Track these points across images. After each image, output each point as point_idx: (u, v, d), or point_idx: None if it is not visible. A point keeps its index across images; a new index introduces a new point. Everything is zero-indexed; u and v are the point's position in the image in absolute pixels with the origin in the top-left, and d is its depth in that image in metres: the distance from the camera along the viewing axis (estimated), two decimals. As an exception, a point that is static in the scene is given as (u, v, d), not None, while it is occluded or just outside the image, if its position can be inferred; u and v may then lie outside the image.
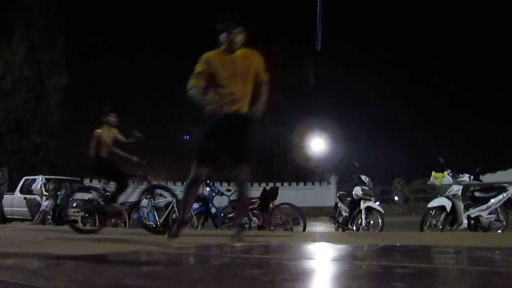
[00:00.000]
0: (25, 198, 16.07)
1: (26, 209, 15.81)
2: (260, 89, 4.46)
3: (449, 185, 7.30)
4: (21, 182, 16.94)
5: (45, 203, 14.30)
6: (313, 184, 31.68)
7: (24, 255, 3.48)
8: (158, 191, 8.35)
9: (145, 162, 7.64)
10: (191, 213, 9.80)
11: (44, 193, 14.94)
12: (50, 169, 26.59)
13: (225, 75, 4.34)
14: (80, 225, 12.06)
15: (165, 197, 11.14)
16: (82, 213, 12.37)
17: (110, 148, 7.35)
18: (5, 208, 16.08)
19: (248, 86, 4.43)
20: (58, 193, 14.58)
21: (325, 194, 28.77)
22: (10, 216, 15.99)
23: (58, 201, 14.35)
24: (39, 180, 16.18)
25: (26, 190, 16.42)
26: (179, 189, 14.41)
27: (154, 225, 10.04)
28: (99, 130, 7.45)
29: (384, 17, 48.44)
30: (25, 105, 29.61)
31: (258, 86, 4.47)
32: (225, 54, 4.40)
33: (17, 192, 16.50)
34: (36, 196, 15.62)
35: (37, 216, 14.25)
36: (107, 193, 8.06)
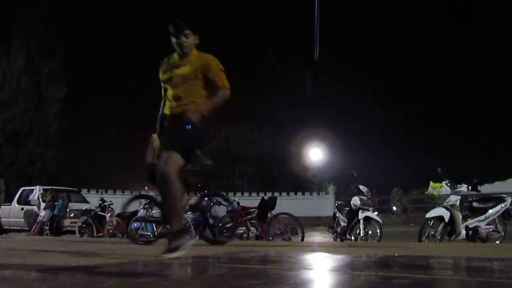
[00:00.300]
0: (22, 209, 16.03)
1: (23, 219, 15.77)
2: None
3: (447, 196, 7.31)
4: (18, 193, 16.91)
5: (42, 214, 14.25)
6: (311, 193, 31.66)
7: (21, 266, 3.47)
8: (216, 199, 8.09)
9: (198, 168, 7.20)
10: (189, 223, 9.76)
11: (42, 203, 14.89)
12: (48, 179, 26.54)
13: (167, 79, 4.22)
14: (78, 235, 12.02)
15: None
16: (79, 223, 12.35)
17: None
18: (2, 219, 16.02)
19: (191, 90, 4.13)
20: (55, 203, 14.53)
21: (323, 204, 28.75)
22: (7, 227, 15.93)
23: (55, 212, 14.31)
24: (37, 190, 16.16)
25: (24, 200, 16.39)
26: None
27: (151, 235, 10.01)
28: (155, 135, 7.24)
29: (384, 28, 48.71)
30: (23, 115, 29.60)
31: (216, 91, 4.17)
32: (176, 58, 4.25)
33: (14, 203, 16.46)
34: (33, 207, 15.58)
35: (34, 227, 14.19)
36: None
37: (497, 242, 7.13)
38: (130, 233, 10.66)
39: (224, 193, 7.76)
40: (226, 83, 4.15)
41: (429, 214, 7.35)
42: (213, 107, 4.08)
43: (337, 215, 9.52)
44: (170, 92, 4.20)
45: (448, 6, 49.52)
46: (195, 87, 4.14)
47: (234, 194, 28.03)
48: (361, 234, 8.11)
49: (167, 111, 4.26)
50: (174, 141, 3.98)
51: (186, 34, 4.12)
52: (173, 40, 4.14)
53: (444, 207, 7.18)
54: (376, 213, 8.81)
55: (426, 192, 8.24)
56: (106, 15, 42.81)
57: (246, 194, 29.87)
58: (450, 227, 7.08)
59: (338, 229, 9.26)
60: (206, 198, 7.72)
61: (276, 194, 24.50)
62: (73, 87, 31.84)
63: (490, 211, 7.15)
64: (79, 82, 33.28)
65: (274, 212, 9.40)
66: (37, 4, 30.37)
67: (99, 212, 12.40)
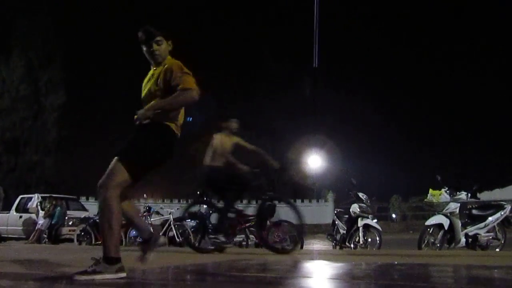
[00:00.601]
0: (20, 217, 15.96)
1: (22, 228, 15.69)
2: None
3: (447, 203, 7.29)
4: (17, 201, 16.83)
5: (41, 222, 14.18)
6: (310, 201, 31.60)
7: (19, 275, 3.45)
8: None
9: (258, 170, 6.72)
10: (188, 231, 9.73)
11: (40, 211, 14.82)
12: (47, 187, 26.48)
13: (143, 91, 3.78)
14: (76, 243, 11.96)
15: (162, 215, 11.07)
16: (78, 231, 12.29)
17: (227, 157, 6.48)
18: (0, 227, 15.96)
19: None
20: (55, 211, 14.45)
21: (323, 211, 28.69)
22: (5, 235, 15.86)
23: (54, 220, 14.24)
24: (35, 198, 16.08)
25: (22, 208, 16.30)
26: (175, 207, 14.36)
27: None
28: (217, 136, 6.55)
29: (383, 35, 48.85)
30: (22, 123, 29.60)
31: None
32: (152, 70, 3.78)
33: (12, 211, 16.38)
34: (31, 215, 15.51)
35: (32, 235, 14.12)
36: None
37: (497, 249, 7.11)
38: (129, 241, 10.64)
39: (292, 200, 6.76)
40: (190, 84, 3.52)
41: (429, 222, 7.33)
42: (165, 106, 3.48)
43: (336, 222, 9.48)
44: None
45: (448, 14, 49.79)
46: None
47: (233, 201, 28.02)
48: (361, 242, 8.08)
49: None
50: (121, 147, 3.41)
51: (158, 41, 3.67)
52: (144, 48, 3.75)
53: (443, 214, 7.16)
54: (375, 220, 8.79)
55: (425, 200, 8.22)
56: (106, 23, 42.92)
57: (244, 201, 29.81)
58: (450, 235, 7.05)
59: (338, 237, 9.22)
60: (268, 203, 7.05)
61: (274, 201, 24.45)
62: (72, 95, 31.87)
63: (490, 218, 7.13)
64: (78, 90, 33.27)
65: (273, 219, 9.37)
66: (37, 13, 30.47)
67: (97, 220, 12.34)
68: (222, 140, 6.49)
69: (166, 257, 4.81)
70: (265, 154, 6.77)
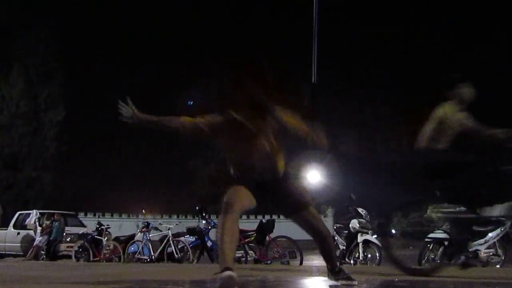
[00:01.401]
0: (18, 233, 15.86)
1: (20, 244, 15.59)
2: None
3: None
4: (14, 217, 16.74)
5: (39, 238, 14.08)
6: (309, 216, 31.42)
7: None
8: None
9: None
10: (187, 247, 9.70)
11: (38, 227, 14.73)
12: (45, 203, 26.39)
13: None
14: (74, 260, 11.88)
15: (161, 231, 11.06)
16: (76, 248, 12.22)
17: (450, 140, 4.63)
18: (-3, 244, 15.87)
19: None
20: (52, 225, 14.36)
21: (322, 227, 28.51)
22: (3, 252, 15.75)
23: (52, 236, 14.14)
24: (33, 214, 16.01)
25: (20, 225, 16.21)
26: (174, 223, 14.32)
27: (148, 259, 9.94)
28: (443, 107, 4.69)
29: (384, 48, 49.01)
30: (21, 139, 29.60)
31: None
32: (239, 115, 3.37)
33: (10, 227, 16.29)
34: (29, 231, 15.42)
35: (30, 252, 14.01)
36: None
37: (497, 266, 7.07)
38: (128, 257, 10.57)
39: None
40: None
41: (429, 238, 7.29)
42: None
43: (335, 238, 9.43)
44: None
45: (450, 24, 50.11)
46: None
47: (232, 217, 27.94)
48: (360, 258, 8.05)
49: None
50: None
51: None
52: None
53: (443, 230, 7.13)
54: (375, 236, 8.76)
55: (425, 215, 8.19)
56: (105, 39, 43.22)
57: (244, 217, 29.55)
58: (450, 251, 7.01)
59: (337, 253, 9.18)
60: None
61: (274, 217, 24.36)
62: (71, 111, 31.96)
63: (490, 234, 7.07)
64: (77, 106, 33.38)
65: (272, 235, 9.34)
66: (36, 29, 30.66)
67: (96, 236, 12.29)
68: (448, 114, 4.68)
69: (165, 273, 4.77)
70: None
